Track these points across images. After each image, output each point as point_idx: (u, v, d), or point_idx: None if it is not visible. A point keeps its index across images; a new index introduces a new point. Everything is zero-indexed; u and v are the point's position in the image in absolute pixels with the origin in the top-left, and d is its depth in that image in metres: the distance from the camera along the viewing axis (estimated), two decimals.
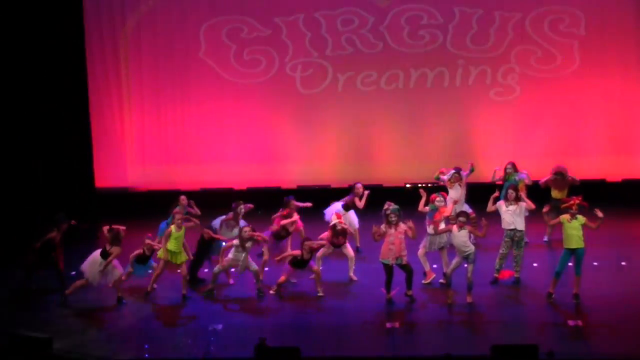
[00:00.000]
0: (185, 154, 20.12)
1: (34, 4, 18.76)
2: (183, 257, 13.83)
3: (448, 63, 19.69)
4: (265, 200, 15.82)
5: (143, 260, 13.92)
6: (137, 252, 13.85)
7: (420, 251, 14.10)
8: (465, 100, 19.74)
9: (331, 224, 14.43)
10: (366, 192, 15.64)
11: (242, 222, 14.86)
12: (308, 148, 19.97)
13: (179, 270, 13.88)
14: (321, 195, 17.49)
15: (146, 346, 12.03)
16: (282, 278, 13.79)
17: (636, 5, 19.35)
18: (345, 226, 14.49)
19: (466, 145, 19.57)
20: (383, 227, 13.07)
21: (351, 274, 14.48)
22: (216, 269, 13.79)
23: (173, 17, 19.86)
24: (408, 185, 19.59)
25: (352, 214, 15.86)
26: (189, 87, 19.99)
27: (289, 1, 19.71)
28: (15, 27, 18.19)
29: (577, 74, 19.54)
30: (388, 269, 13.12)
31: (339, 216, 14.71)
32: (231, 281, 14.46)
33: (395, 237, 13.02)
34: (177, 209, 14.32)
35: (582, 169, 18.06)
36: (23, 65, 18.36)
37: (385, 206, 13.29)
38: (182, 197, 15.22)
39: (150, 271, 14.02)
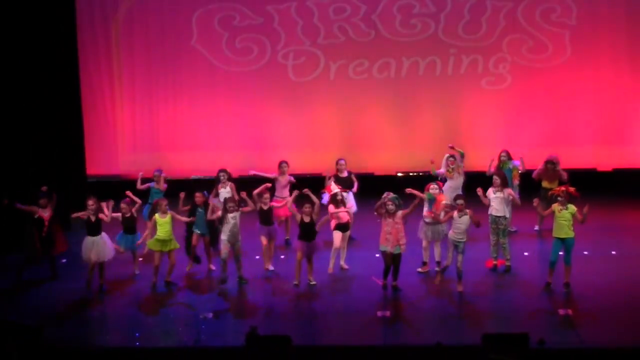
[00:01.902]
0: (177, 141, 20.06)
1: None
2: (173, 245, 13.82)
3: (440, 52, 19.65)
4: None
5: (128, 228, 14.07)
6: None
7: (424, 243, 14.12)
8: (457, 89, 19.71)
9: (332, 192, 14.51)
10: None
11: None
12: (299, 136, 19.93)
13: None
14: (312, 184, 17.46)
15: (137, 334, 12.05)
16: (298, 255, 13.64)
17: None
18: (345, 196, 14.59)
19: (458, 134, 19.50)
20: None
21: (342, 262, 14.50)
22: (223, 255, 13.64)
23: (165, 4, 19.76)
24: (400, 174, 19.59)
25: (350, 197, 15.66)
26: (181, 74, 19.92)
27: None
28: (6, 15, 18.07)
29: (568, 63, 19.52)
30: (386, 256, 13.13)
31: (339, 187, 14.80)
32: (212, 267, 14.47)
33: (391, 226, 13.01)
34: (158, 200, 14.22)
35: (573, 158, 18.12)
36: (14, 53, 18.24)
37: (384, 195, 13.28)
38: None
39: (138, 248, 14.26)
